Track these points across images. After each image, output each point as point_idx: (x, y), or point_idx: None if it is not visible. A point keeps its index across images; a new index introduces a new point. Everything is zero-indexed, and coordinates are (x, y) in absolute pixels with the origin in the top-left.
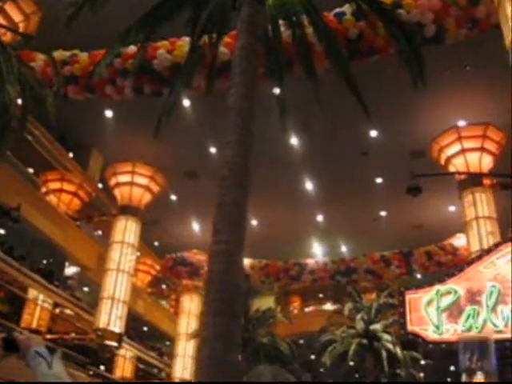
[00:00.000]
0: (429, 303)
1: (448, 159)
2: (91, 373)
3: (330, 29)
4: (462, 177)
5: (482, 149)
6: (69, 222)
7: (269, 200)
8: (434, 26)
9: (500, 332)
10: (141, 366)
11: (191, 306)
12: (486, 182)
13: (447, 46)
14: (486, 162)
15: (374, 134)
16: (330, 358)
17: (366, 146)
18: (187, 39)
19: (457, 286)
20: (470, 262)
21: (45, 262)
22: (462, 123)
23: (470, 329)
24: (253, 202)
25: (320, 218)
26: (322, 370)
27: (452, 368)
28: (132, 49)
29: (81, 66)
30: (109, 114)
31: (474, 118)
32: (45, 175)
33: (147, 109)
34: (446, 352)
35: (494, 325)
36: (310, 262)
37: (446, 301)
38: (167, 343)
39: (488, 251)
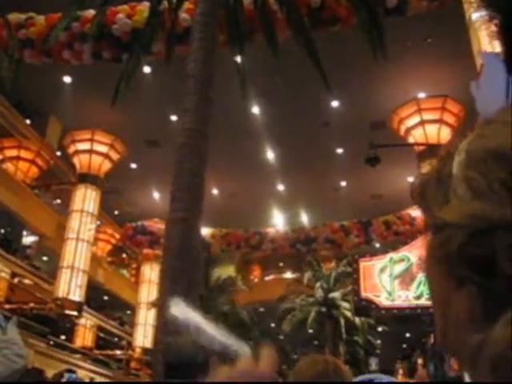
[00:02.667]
0: (382, 270)
1: (407, 130)
2: (51, 343)
3: None
4: (421, 148)
5: (440, 121)
6: (26, 190)
7: (230, 169)
8: None
9: None
10: (101, 335)
11: (152, 274)
12: None
13: (409, 18)
14: (445, 134)
15: (335, 104)
16: (289, 326)
17: (328, 117)
18: (148, 4)
19: (409, 253)
20: (422, 231)
21: (2, 231)
22: (421, 95)
23: (421, 295)
24: (214, 171)
25: (281, 187)
26: (281, 337)
27: (407, 335)
28: (91, 13)
29: (37, 29)
30: (67, 79)
31: (434, 90)
32: (1, 142)
33: (107, 75)
34: (401, 318)
35: None
36: (271, 231)
37: (399, 268)
38: (128, 312)
39: None
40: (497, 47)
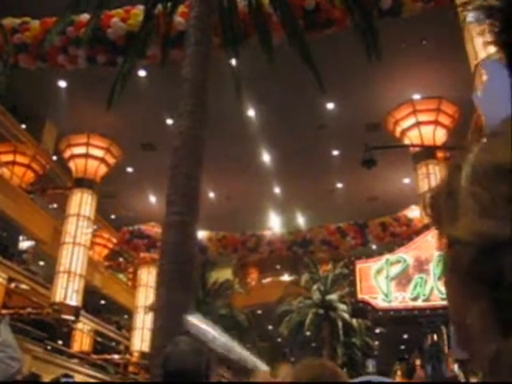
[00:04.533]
0: (378, 272)
1: (403, 132)
2: (48, 348)
3: None
4: (417, 149)
5: (436, 122)
6: (22, 195)
7: (226, 172)
8: None
9: (445, 299)
10: (99, 339)
11: (149, 278)
12: (440, 154)
13: (403, 20)
14: (440, 135)
15: (330, 106)
16: (287, 328)
17: (323, 119)
18: (142, 8)
19: (406, 255)
20: (419, 232)
21: None
22: (416, 97)
23: (417, 296)
24: (210, 175)
25: (277, 189)
26: (279, 339)
27: (405, 336)
28: (85, 17)
29: (32, 33)
30: (62, 84)
31: (429, 91)
32: None
33: (102, 79)
34: (397, 320)
35: (441, 292)
36: (267, 233)
37: (395, 269)
38: (125, 316)
39: None
40: (491, 49)
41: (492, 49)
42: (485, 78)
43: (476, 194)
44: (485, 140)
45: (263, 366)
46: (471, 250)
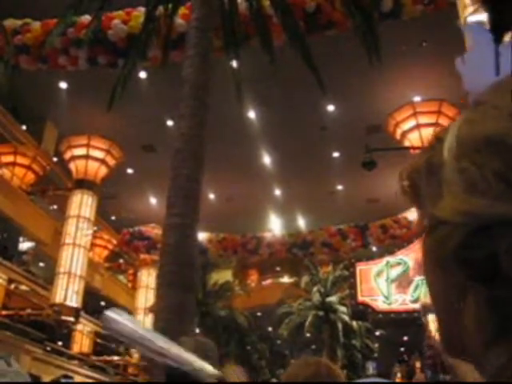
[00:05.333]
0: (379, 274)
1: (403, 134)
2: (48, 349)
3: (287, 1)
4: (417, 152)
5: (436, 124)
6: (23, 196)
7: (226, 174)
8: (391, 1)
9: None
10: (99, 341)
11: (149, 280)
12: None
13: (404, 22)
14: None
15: (331, 108)
16: (287, 330)
17: (324, 121)
18: (143, 10)
19: (406, 257)
20: (420, 234)
21: None
22: (417, 99)
23: (418, 298)
24: (210, 176)
25: (277, 191)
26: (279, 341)
27: (405, 338)
28: (86, 18)
29: (33, 35)
30: (63, 85)
31: (430, 94)
32: None
33: (103, 80)
34: (398, 322)
35: None
36: (268, 235)
37: (396, 272)
38: None
39: None
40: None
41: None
42: (468, 42)
43: (464, 169)
44: (470, 110)
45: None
46: (459, 232)
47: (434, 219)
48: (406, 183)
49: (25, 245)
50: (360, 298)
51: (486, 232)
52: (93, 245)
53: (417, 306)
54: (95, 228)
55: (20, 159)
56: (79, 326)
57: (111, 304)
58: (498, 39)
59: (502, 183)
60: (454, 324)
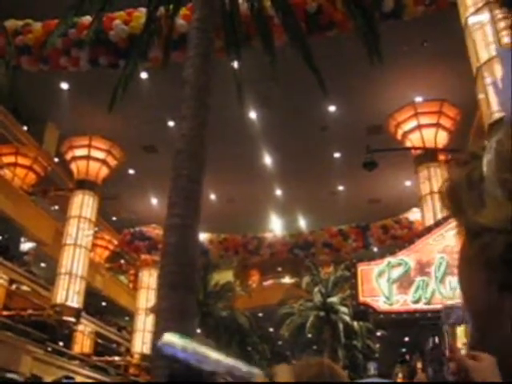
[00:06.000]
0: (380, 274)
1: (404, 135)
2: (49, 349)
3: (288, 2)
4: (418, 152)
5: (437, 125)
6: (24, 196)
7: (227, 174)
8: (392, 1)
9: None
10: (100, 341)
11: (150, 280)
12: (441, 157)
13: (405, 22)
14: (442, 138)
15: (332, 109)
16: (288, 331)
17: (325, 121)
18: (144, 10)
19: (407, 257)
20: (421, 235)
21: (0, 237)
22: (418, 99)
23: (419, 299)
24: (211, 177)
25: (278, 192)
26: (280, 342)
27: (406, 339)
28: (88, 19)
29: (34, 36)
30: (64, 86)
31: (431, 94)
32: None
33: (104, 81)
34: (399, 322)
35: (442, 295)
36: (269, 236)
37: (397, 272)
38: (126, 318)
39: (437, 224)
40: (493, 51)
41: (494, 51)
42: (500, 66)
43: (505, 180)
44: (505, 128)
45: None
46: (502, 238)
47: (478, 226)
48: (446, 197)
49: (26, 245)
50: (361, 299)
51: None
52: (94, 245)
53: (418, 306)
54: (96, 228)
55: (21, 160)
56: (80, 327)
57: (112, 304)
58: None
59: None
60: (490, 321)
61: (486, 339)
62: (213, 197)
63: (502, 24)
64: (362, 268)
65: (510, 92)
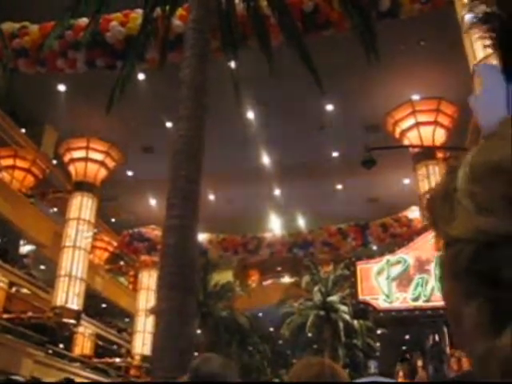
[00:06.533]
0: (379, 273)
1: (402, 133)
2: (50, 351)
3: (285, 1)
4: (416, 150)
5: (435, 122)
6: (23, 199)
7: (226, 175)
8: (389, 0)
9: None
10: (100, 343)
11: (150, 281)
12: (439, 155)
13: (402, 21)
14: (439, 136)
15: (330, 108)
16: (288, 330)
17: (323, 120)
18: (141, 11)
19: (406, 255)
20: (420, 233)
21: None
22: (416, 97)
23: (418, 297)
24: (210, 177)
25: (277, 191)
26: (280, 341)
27: (406, 337)
28: (84, 21)
29: (31, 38)
30: (62, 88)
31: (428, 92)
32: None
33: (101, 83)
34: (399, 320)
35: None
36: (268, 235)
37: (396, 270)
38: (126, 320)
39: None
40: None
41: (491, 51)
42: (480, 81)
43: (474, 193)
44: (482, 141)
45: None
46: (470, 248)
47: (449, 237)
48: (425, 208)
49: (25, 248)
50: (360, 297)
51: (493, 247)
52: (93, 247)
53: (417, 303)
54: (95, 230)
55: (19, 162)
56: (80, 329)
57: (112, 306)
58: (509, 79)
59: (507, 203)
60: (460, 328)
61: (462, 348)
62: (211, 197)
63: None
64: (361, 266)
65: (489, 108)
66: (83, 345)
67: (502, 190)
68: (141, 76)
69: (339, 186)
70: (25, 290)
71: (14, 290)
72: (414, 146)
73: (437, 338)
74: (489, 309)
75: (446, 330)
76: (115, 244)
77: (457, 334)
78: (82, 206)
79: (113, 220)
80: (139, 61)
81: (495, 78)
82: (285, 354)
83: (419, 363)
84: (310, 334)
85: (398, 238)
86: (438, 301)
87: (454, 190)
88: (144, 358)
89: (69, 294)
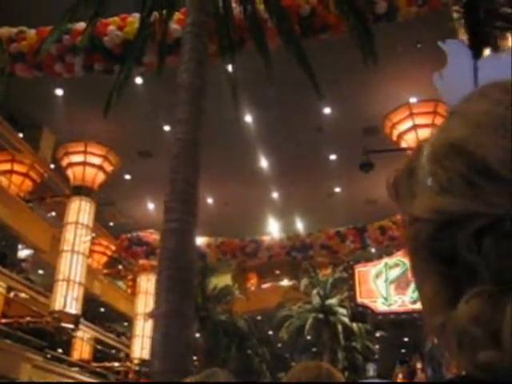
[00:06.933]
0: (377, 275)
1: (400, 135)
2: (48, 356)
3: (282, 5)
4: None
5: (432, 125)
6: (21, 203)
7: (224, 178)
8: (385, 3)
9: None
10: (99, 347)
11: (148, 285)
12: None
13: (398, 24)
14: None
15: (327, 111)
16: (287, 333)
17: (320, 123)
18: (138, 15)
19: (405, 258)
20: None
21: None
22: (413, 100)
23: (417, 299)
24: (208, 181)
25: (275, 194)
26: (279, 344)
27: (405, 339)
28: (82, 25)
29: (28, 43)
30: (59, 92)
31: (425, 94)
32: None
33: (99, 87)
34: (397, 323)
35: None
36: (266, 238)
37: (395, 273)
38: (125, 324)
39: None
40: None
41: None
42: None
43: (434, 173)
44: (444, 119)
45: None
46: (429, 227)
47: (410, 216)
48: (391, 187)
49: (23, 252)
50: (359, 300)
51: (450, 225)
52: (91, 251)
53: (416, 306)
54: (93, 234)
55: (17, 167)
56: (79, 333)
57: (111, 310)
58: (476, 54)
59: (464, 183)
60: (422, 303)
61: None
62: (210, 200)
63: None
64: (359, 269)
65: (456, 82)
66: (82, 349)
67: (460, 170)
68: (138, 80)
69: (337, 189)
70: (23, 295)
71: (12, 294)
72: (411, 149)
73: (435, 340)
74: (445, 285)
75: None
76: (113, 248)
77: (423, 309)
78: (80, 211)
79: (111, 224)
80: (137, 65)
81: (462, 54)
82: (284, 357)
83: (418, 366)
84: (308, 337)
85: (396, 240)
86: None
87: (417, 168)
88: (143, 362)
89: (67, 299)
